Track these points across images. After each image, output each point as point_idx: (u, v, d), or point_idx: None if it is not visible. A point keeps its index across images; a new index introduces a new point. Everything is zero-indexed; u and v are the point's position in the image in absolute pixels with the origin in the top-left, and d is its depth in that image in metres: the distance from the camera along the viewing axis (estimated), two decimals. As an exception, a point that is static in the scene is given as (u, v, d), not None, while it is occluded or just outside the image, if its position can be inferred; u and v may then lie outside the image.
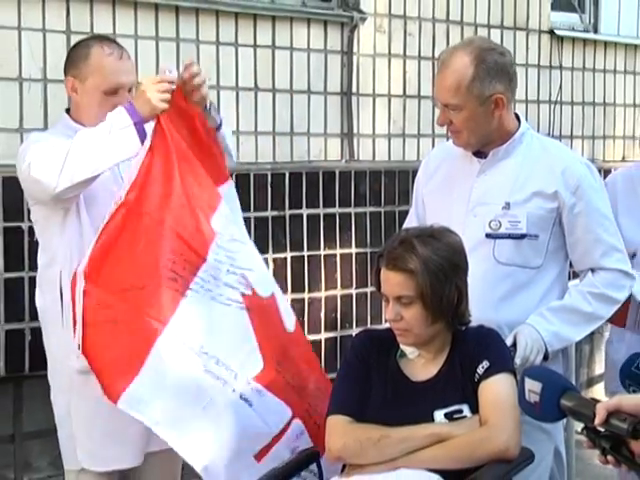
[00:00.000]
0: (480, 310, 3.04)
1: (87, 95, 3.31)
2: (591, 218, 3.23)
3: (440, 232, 2.94)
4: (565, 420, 4.07)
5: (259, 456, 3.08)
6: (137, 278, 3.02)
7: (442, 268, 2.84)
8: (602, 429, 1.95)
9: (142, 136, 3.11)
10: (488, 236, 3.23)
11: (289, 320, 3.28)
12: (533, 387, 2.09)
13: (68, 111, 3.43)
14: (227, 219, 3.21)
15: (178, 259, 3.04)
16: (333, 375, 3.15)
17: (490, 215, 3.24)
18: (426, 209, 3.44)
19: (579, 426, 2.04)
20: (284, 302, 3.34)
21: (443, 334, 2.93)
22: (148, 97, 3.08)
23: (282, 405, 3.13)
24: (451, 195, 3.32)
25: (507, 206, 3.23)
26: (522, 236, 3.22)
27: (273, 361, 3.14)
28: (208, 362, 3.02)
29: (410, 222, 3.49)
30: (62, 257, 3.25)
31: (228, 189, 3.36)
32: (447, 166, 3.40)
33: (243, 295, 3.13)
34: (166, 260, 3.03)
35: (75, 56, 3.36)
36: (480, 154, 3.29)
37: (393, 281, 2.86)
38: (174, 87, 3.15)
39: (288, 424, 3.14)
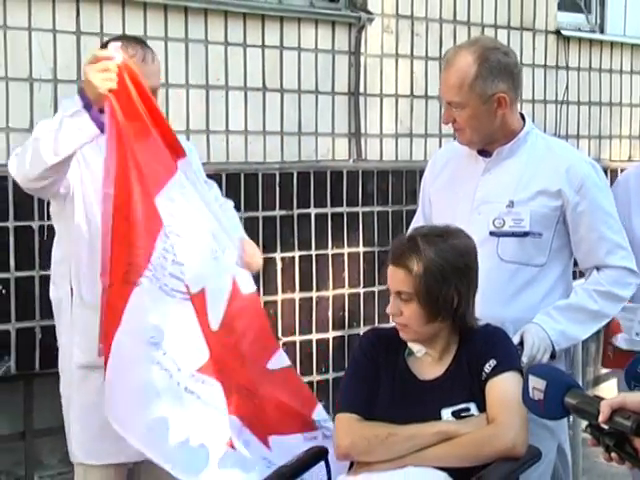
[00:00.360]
0: (485, 307, 3.07)
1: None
2: (595, 216, 3.25)
3: (450, 233, 2.96)
4: (571, 418, 4.11)
5: (230, 443, 3.12)
6: (104, 270, 3.10)
7: (442, 269, 2.86)
8: (606, 426, 1.96)
9: (97, 121, 3.08)
10: (492, 234, 3.25)
11: (214, 318, 3.21)
12: (537, 384, 2.11)
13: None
14: (175, 203, 3.17)
15: (132, 248, 3.08)
16: (341, 374, 3.18)
17: (494, 213, 3.26)
18: (432, 207, 3.47)
19: (585, 424, 2.06)
20: (215, 299, 3.24)
21: (446, 333, 2.95)
22: (89, 79, 3.03)
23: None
24: (456, 194, 3.35)
25: (511, 204, 3.25)
26: (525, 234, 3.23)
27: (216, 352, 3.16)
28: (157, 353, 3.04)
29: (417, 221, 3.52)
30: (71, 253, 3.31)
31: (186, 159, 3.33)
32: (453, 165, 3.43)
33: (186, 286, 3.14)
34: (123, 249, 3.07)
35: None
36: (485, 153, 3.32)
37: (395, 276, 2.91)
38: (117, 64, 3.06)
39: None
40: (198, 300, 3.15)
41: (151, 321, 3.05)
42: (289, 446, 3.20)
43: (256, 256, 3.58)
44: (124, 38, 3.42)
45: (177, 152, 3.28)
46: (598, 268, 3.28)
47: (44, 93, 4.29)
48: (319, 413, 3.36)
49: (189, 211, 3.23)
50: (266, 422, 3.23)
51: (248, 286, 3.34)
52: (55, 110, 4.26)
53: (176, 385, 3.05)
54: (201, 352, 3.12)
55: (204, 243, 3.24)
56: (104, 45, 3.35)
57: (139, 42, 3.40)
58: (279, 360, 3.37)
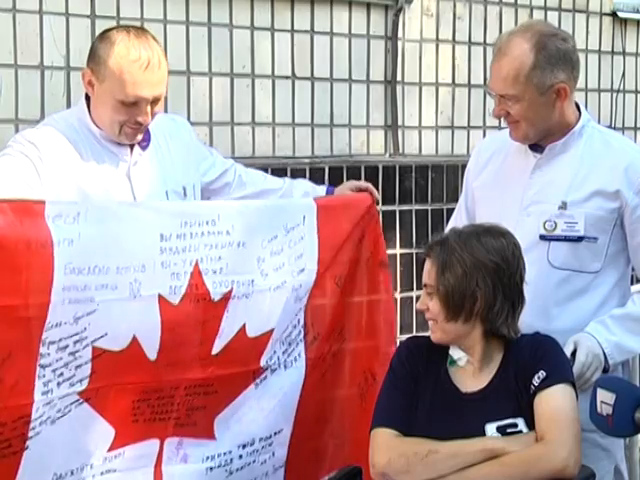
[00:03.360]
0: (532, 317, 3.06)
1: (102, 97, 3.20)
2: None
3: (488, 230, 2.97)
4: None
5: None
6: None
7: (463, 263, 2.89)
8: None
9: None
10: (542, 238, 3.24)
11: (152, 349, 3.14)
12: (605, 398, 2.08)
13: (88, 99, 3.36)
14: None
15: None
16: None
17: (545, 215, 3.24)
18: (475, 204, 3.46)
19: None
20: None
21: (479, 338, 2.94)
22: None
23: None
24: (503, 191, 3.34)
25: (564, 206, 3.23)
26: (579, 238, 3.21)
27: None
28: None
29: (459, 213, 3.53)
30: None
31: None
32: (500, 159, 3.41)
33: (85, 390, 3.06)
34: None
35: (98, 49, 3.21)
36: (537, 147, 3.29)
37: (425, 268, 2.98)
38: None
39: None
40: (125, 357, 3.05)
41: (56, 463, 3.01)
42: (235, 417, 3.26)
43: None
44: (128, 31, 3.23)
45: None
46: (658, 275, 3.26)
47: (56, 81, 4.32)
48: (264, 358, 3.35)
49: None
50: (209, 405, 3.24)
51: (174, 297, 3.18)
52: (68, 100, 4.30)
53: None
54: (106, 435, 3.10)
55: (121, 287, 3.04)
56: (100, 36, 3.25)
57: (142, 40, 3.21)
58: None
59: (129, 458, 3.12)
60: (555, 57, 3.16)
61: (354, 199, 3.64)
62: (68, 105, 4.29)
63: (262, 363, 3.33)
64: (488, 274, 2.90)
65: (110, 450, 3.09)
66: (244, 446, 3.33)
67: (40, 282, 2.84)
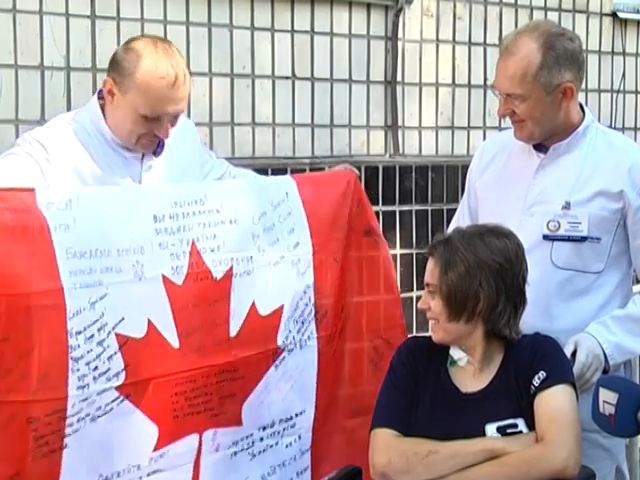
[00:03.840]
0: (534, 317, 3.06)
1: (123, 109, 3.19)
2: None
3: (492, 231, 2.98)
4: (628, 437, 4.05)
5: None
6: None
7: (465, 262, 2.89)
8: None
9: None
10: (545, 238, 3.24)
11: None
12: (608, 398, 2.07)
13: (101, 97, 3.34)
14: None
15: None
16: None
17: (548, 215, 3.24)
18: (478, 204, 3.46)
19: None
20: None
21: (480, 338, 2.94)
22: None
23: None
24: (506, 192, 3.34)
25: (567, 206, 3.23)
26: (583, 239, 3.21)
27: None
28: None
29: (462, 213, 3.53)
30: None
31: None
32: (503, 160, 3.41)
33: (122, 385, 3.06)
34: None
35: (123, 60, 3.18)
36: (541, 147, 3.29)
37: (428, 267, 2.98)
38: None
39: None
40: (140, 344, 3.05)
41: (101, 464, 2.99)
42: (258, 400, 3.26)
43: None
44: (155, 44, 3.20)
45: None
46: (660, 276, 3.26)
47: (56, 82, 4.32)
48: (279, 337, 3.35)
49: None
50: (238, 392, 3.23)
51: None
52: (68, 100, 4.31)
53: None
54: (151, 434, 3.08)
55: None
56: (126, 46, 3.22)
57: (169, 54, 3.18)
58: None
59: (173, 456, 3.10)
60: (562, 57, 3.17)
61: (333, 175, 3.66)
62: (68, 105, 4.30)
63: (279, 342, 3.32)
64: (491, 274, 2.90)
65: (155, 450, 3.07)
66: (264, 428, 3.32)
67: (46, 268, 2.83)
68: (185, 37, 4.61)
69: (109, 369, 2.93)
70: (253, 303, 3.24)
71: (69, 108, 4.28)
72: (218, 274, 3.16)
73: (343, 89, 5.21)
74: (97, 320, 2.90)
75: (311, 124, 5.10)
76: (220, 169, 3.64)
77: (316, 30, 5.09)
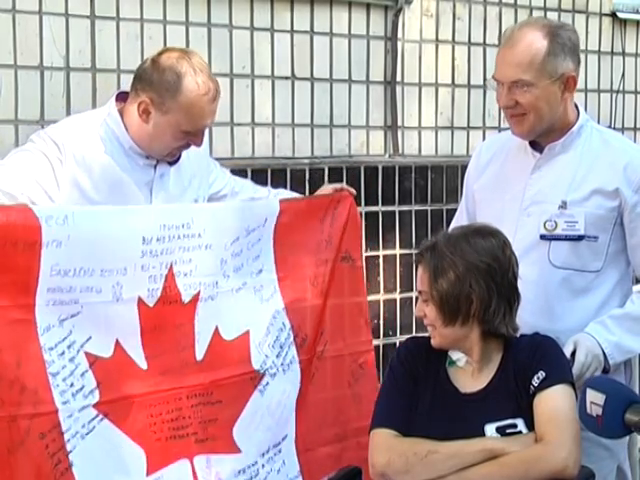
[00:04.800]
0: (535, 317, 3.07)
1: (162, 127, 3.23)
2: None
3: (478, 231, 2.98)
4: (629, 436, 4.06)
5: None
6: None
7: (454, 267, 2.89)
8: None
9: None
10: (543, 237, 3.25)
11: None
12: (595, 399, 2.08)
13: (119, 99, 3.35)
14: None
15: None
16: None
17: (545, 215, 3.25)
18: (476, 206, 3.46)
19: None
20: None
21: (477, 339, 2.94)
22: None
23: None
24: (503, 193, 3.34)
25: (564, 205, 3.24)
26: (580, 237, 3.22)
27: None
28: None
29: (461, 215, 3.53)
30: None
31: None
32: (500, 160, 3.42)
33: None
34: None
35: (159, 80, 3.21)
36: (537, 147, 3.30)
37: (418, 275, 2.99)
38: None
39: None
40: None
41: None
42: (252, 426, 3.29)
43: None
44: (189, 60, 3.24)
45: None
46: (658, 275, 3.27)
47: (56, 82, 4.31)
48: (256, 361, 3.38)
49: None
50: (220, 417, 3.26)
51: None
52: (68, 100, 4.30)
53: None
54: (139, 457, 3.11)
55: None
56: (157, 64, 3.23)
57: (203, 68, 3.27)
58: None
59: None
60: (567, 46, 3.18)
61: (323, 199, 3.67)
62: (68, 105, 4.30)
63: (256, 367, 3.35)
64: (481, 275, 2.90)
65: (148, 474, 3.09)
66: (263, 454, 3.36)
67: (25, 283, 2.87)
68: (185, 37, 4.60)
69: (84, 386, 2.97)
70: (216, 328, 3.27)
71: (69, 108, 4.29)
72: (186, 297, 3.20)
73: (343, 89, 5.21)
74: (66, 337, 2.95)
75: (311, 124, 5.10)
76: (223, 179, 3.67)
77: (316, 30, 5.09)
